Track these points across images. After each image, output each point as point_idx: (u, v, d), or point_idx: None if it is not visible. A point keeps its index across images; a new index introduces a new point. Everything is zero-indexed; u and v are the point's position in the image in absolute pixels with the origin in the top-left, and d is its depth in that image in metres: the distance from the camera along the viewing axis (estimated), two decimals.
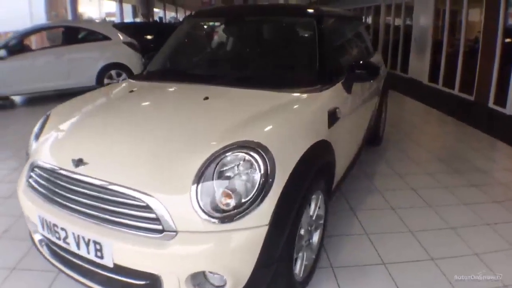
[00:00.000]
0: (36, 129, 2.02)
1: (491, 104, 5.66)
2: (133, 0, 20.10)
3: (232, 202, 1.35)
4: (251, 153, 1.41)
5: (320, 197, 1.85)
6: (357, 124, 2.69)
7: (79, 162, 1.51)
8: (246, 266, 1.38)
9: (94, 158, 1.54)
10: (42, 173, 1.66)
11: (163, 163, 1.45)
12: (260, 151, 1.42)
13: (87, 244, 1.45)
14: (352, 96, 2.31)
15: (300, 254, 1.73)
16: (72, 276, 1.61)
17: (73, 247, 1.51)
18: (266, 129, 1.60)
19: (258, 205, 1.36)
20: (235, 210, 1.35)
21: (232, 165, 1.40)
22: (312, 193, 1.72)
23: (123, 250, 1.39)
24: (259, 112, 1.71)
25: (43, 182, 1.65)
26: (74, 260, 1.57)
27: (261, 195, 1.37)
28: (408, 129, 4.75)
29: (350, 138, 2.48)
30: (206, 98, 1.88)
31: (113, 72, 6.52)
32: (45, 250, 1.73)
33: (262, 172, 1.39)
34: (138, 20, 18.34)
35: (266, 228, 1.37)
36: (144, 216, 1.37)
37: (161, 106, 1.97)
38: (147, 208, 1.35)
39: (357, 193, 2.92)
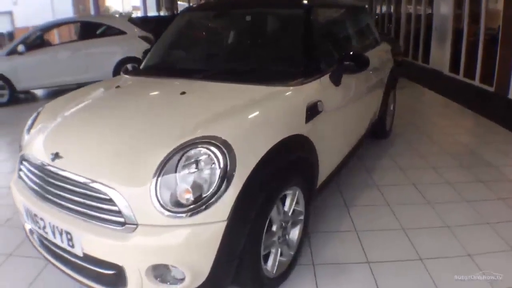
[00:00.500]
0: (28, 123, 2.10)
1: (511, 95, 5.37)
2: None
3: (191, 197, 1.36)
4: (212, 148, 1.41)
5: (298, 192, 1.82)
6: (351, 118, 2.61)
7: (55, 156, 1.58)
8: (204, 261, 1.39)
9: (68, 152, 1.60)
10: (28, 165, 1.74)
11: (128, 157, 1.48)
12: (221, 146, 1.41)
13: (61, 234, 1.51)
14: (342, 89, 2.23)
15: (273, 250, 1.72)
16: (55, 264, 1.67)
17: (50, 236, 1.58)
18: (232, 124, 1.58)
19: (217, 200, 1.36)
20: (194, 205, 1.35)
21: (194, 160, 1.40)
22: (286, 188, 1.70)
23: (90, 240, 1.44)
24: (231, 106, 1.70)
25: (29, 174, 1.73)
26: (54, 248, 1.64)
27: (220, 191, 1.37)
28: (420, 122, 4.57)
29: (341, 133, 2.41)
30: (183, 92, 1.89)
31: (129, 66, 6.64)
32: (35, 239, 1.81)
33: (222, 167, 1.38)
34: (161, 13, 18.54)
35: (224, 224, 1.37)
36: (108, 209, 1.40)
37: (138, 101, 2.00)
38: (111, 201, 1.39)
39: (354, 187, 2.85)
